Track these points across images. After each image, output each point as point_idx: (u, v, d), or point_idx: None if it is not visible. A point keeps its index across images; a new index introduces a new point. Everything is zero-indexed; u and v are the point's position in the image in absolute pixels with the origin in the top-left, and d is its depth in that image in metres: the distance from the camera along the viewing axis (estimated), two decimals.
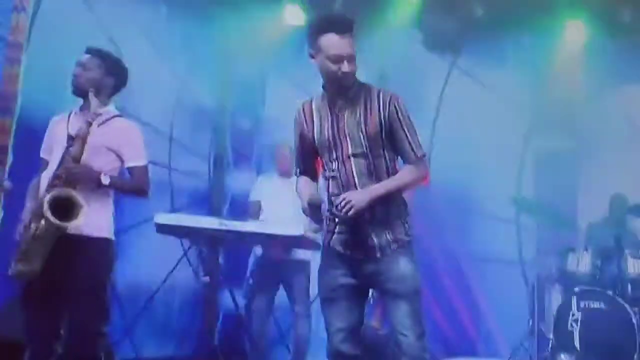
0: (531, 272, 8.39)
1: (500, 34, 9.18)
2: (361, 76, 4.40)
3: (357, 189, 4.26)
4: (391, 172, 4.33)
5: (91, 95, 4.87)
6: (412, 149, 4.30)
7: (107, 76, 5.06)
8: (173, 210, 8.64)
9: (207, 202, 9.49)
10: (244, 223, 6.65)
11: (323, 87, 4.37)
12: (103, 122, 4.98)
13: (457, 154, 8.89)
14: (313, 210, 4.28)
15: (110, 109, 5.11)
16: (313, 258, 7.47)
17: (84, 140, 4.80)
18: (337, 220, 4.34)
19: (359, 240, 4.31)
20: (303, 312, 7.54)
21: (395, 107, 4.27)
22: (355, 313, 4.38)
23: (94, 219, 4.85)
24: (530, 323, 7.89)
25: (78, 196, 4.67)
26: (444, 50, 9.45)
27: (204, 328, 7.93)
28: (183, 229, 6.56)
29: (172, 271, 8.30)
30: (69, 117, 5.06)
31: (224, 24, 8.98)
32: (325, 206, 4.37)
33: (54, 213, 4.60)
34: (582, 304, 7.28)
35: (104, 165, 4.92)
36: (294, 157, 4.69)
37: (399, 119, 4.27)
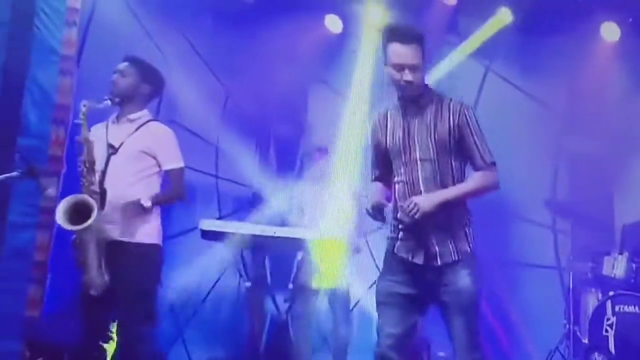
0: (567, 276, 8.29)
1: (534, 37, 9.16)
2: None
3: (422, 192, 4.35)
4: (457, 179, 4.40)
5: (83, 108, 5.02)
6: (481, 156, 4.38)
7: (144, 83, 5.25)
8: (220, 217, 8.77)
9: (252, 209, 9.55)
10: (283, 228, 6.80)
11: (398, 95, 4.52)
12: (138, 127, 5.17)
13: None
14: (375, 212, 4.36)
15: (144, 113, 5.26)
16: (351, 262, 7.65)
17: (87, 141, 4.98)
18: (401, 227, 4.42)
19: (421, 246, 4.37)
20: (343, 316, 7.61)
21: (466, 115, 4.38)
22: (407, 322, 4.41)
23: (143, 227, 5.06)
24: (566, 327, 7.87)
25: (87, 198, 4.85)
26: (479, 54, 9.39)
27: (251, 332, 8.04)
28: (226, 235, 6.69)
29: (220, 277, 8.46)
30: (107, 126, 5.24)
31: (266, 34, 9.15)
32: (389, 210, 4.46)
33: (70, 219, 4.80)
34: (616, 308, 7.25)
35: (143, 170, 5.10)
36: (370, 165, 4.78)
37: (470, 127, 4.37)
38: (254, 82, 9.28)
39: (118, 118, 5.23)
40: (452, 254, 4.35)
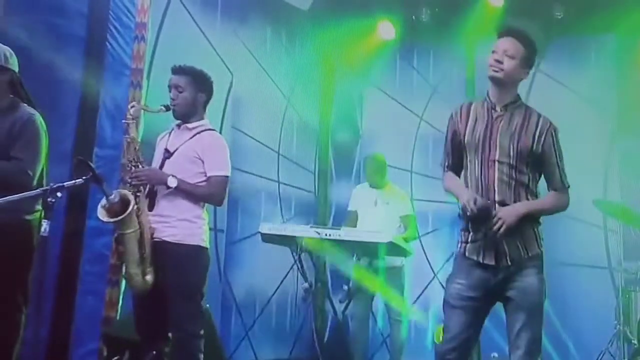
0: (618, 276, 8.32)
1: (583, 35, 9.16)
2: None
3: (495, 193, 4.40)
4: (530, 191, 4.47)
5: (131, 110, 5.25)
6: (561, 178, 4.52)
7: (200, 92, 5.33)
8: (283, 221, 8.96)
9: (313, 213, 9.84)
10: (336, 231, 6.83)
11: (487, 92, 4.62)
12: (194, 135, 5.27)
13: None
14: (481, 212, 4.35)
15: (204, 122, 5.37)
16: (406, 264, 7.82)
17: (133, 141, 5.18)
18: (470, 229, 4.50)
19: (491, 246, 4.39)
20: (398, 318, 7.78)
21: (552, 135, 4.47)
22: (473, 326, 4.48)
23: (189, 228, 5.15)
24: (617, 327, 7.83)
25: (126, 193, 4.95)
26: None
27: (313, 332, 8.16)
28: (283, 238, 6.83)
29: (284, 278, 8.72)
30: (170, 133, 5.41)
31: (322, 43, 9.39)
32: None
33: (108, 213, 4.89)
34: None
35: (194, 175, 5.18)
36: (444, 153, 4.79)
37: (555, 148, 4.48)
38: (311, 90, 9.53)
39: (179, 126, 5.36)
40: (522, 252, 4.39)
